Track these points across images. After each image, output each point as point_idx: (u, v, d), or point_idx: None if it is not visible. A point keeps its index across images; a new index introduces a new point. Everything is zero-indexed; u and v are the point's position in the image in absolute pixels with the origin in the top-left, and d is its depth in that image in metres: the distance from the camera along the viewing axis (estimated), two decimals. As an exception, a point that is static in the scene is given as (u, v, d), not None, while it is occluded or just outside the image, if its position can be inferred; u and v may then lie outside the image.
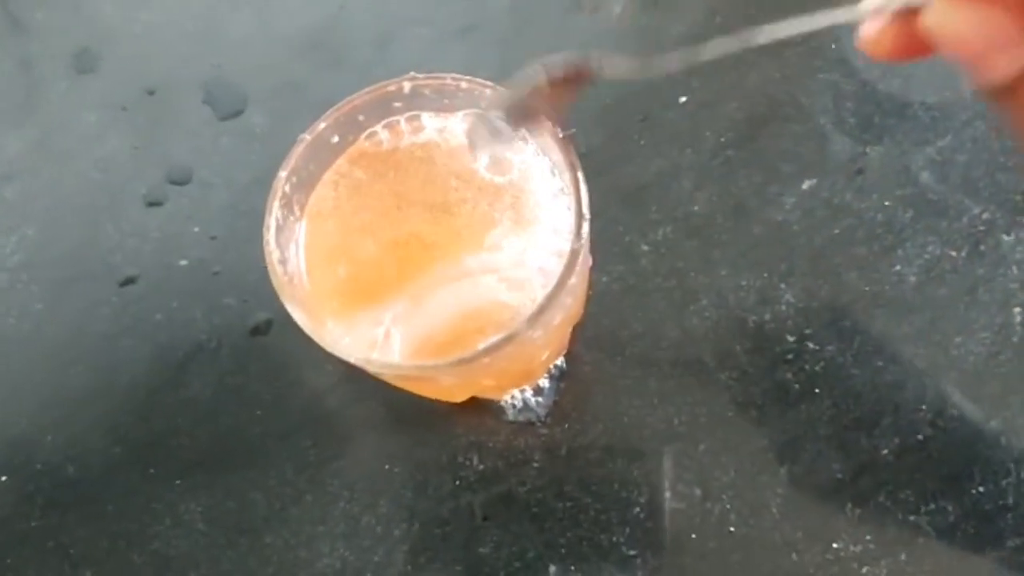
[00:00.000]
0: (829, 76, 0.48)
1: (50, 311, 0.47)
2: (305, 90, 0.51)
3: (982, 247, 0.43)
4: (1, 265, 0.49)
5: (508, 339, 0.29)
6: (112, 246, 0.48)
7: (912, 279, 0.43)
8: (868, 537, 0.39)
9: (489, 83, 0.32)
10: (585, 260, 0.32)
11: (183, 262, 0.47)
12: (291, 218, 0.34)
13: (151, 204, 0.49)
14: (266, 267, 0.32)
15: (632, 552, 0.40)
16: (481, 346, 0.29)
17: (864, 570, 0.39)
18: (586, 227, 0.30)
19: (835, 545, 0.39)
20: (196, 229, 0.48)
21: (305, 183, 0.34)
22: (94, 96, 0.52)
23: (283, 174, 0.32)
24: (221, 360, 0.45)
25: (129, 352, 0.46)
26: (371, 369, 0.30)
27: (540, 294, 0.31)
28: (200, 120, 0.51)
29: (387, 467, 0.43)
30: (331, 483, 0.43)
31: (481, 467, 0.42)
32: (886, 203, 0.45)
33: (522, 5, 0.52)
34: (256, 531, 0.42)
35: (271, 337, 0.45)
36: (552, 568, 0.40)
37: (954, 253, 0.43)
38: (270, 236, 0.32)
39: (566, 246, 0.30)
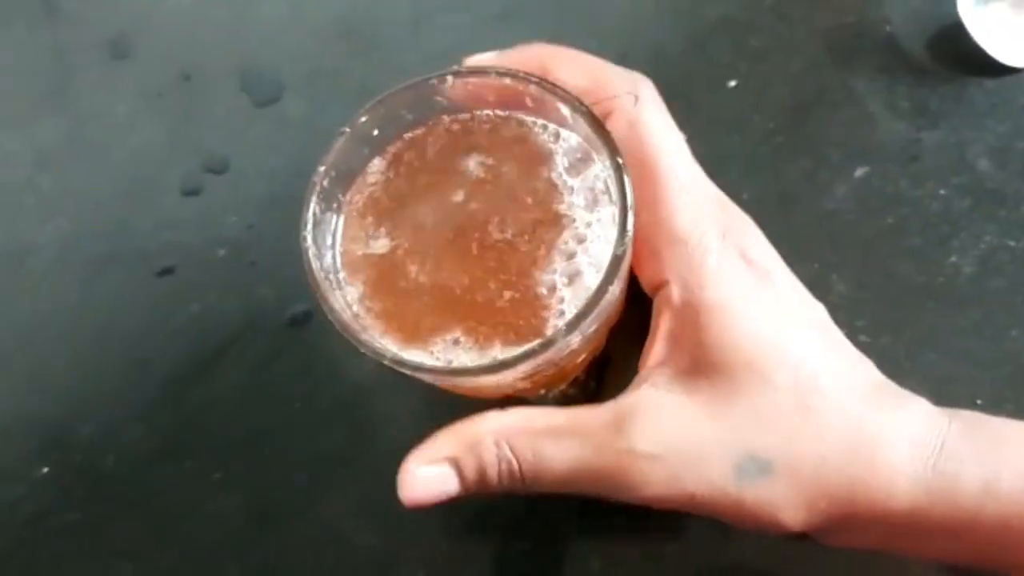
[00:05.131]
0: (880, 58, 0.46)
1: (86, 302, 0.47)
2: (341, 76, 0.50)
3: (1041, 237, 0.42)
4: (37, 256, 0.48)
5: (545, 345, 0.28)
6: (148, 236, 0.48)
7: (968, 270, 0.42)
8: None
9: (534, 77, 0.31)
10: (628, 265, 0.31)
11: (220, 252, 0.47)
12: (328, 213, 0.33)
13: (187, 193, 0.49)
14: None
15: (675, 551, 0.39)
16: (518, 351, 0.28)
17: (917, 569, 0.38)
18: (629, 237, 0.29)
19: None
20: (233, 218, 0.48)
21: (345, 177, 0.33)
22: (129, 83, 0.52)
23: (322, 168, 0.31)
24: (257, 352, 0.45)
25: (166, 343, 0.46)
26: (405, 371, 0.30)
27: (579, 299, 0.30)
28: (236, 107, 0.50)
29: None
30: (366, 477, 0.42)
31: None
32: (942, 191, 0.43)
33: (561, -11, 0.51)
34: (293, 523, 0.42)
35: (308, 329, 0.45)
36: (595, 564, 0.40)
37: (1012, 243, 0.42)
38: (307, 232, 0.31)
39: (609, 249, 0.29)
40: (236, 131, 0.50)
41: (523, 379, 0.31)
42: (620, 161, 0.30)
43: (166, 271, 0.47)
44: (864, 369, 0.32)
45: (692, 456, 0.30)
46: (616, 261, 0.29)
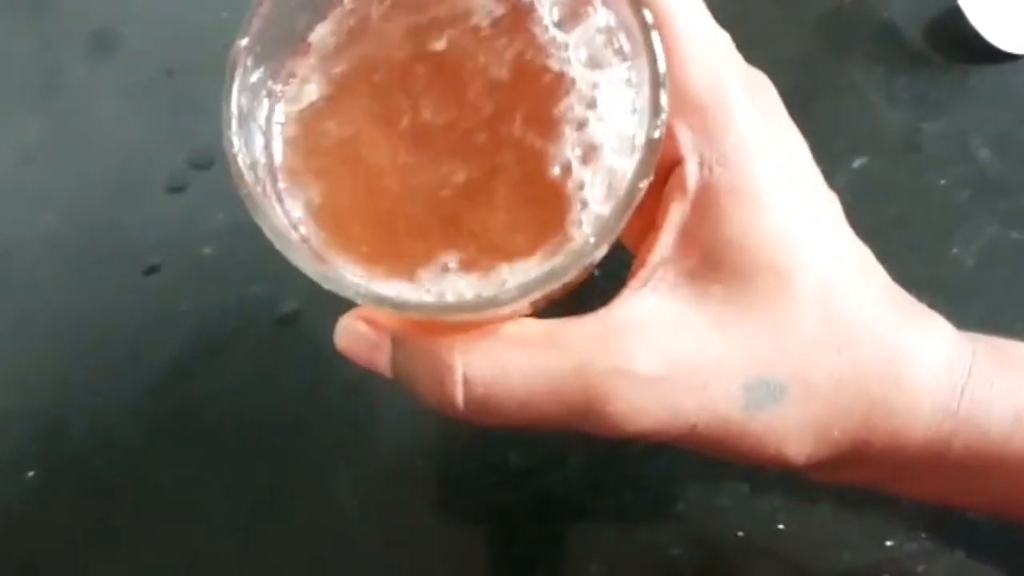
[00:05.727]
0: (878, 45, 0.46)
1: (74, 302, 0.46)
2: (329, 69, 0.49)
3: (1045, 228, 0.41)
4: (23, 254, 0.47)
5: (576, 259, 0.23)
6: (134, 234, 0.47)
7: (971, 262, 0.41)
8: (924, 535, 0.38)
9: None
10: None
11: (207, 250, 0.46)
12: (260, 102, 0.25)
13: (173, 190, 0.48)
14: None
15: (676, 551, 0.39)
16: (543, 270, 0.23)
17: (920, 568, 0.37)
18: (664, 116, 0.23)
19: (888, 543, 0.38)
20: (220, 216, 0.47)
21: (278, 54, 0.25)
22: (113, 77, 0.51)
23: (243, 41, 0.24)
24: (249, 352, 0.44)
25: (155, 344, 0.45)
26: (384, 308, 0.23)
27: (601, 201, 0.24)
28: (221, 101, 0.49)
29: (420, 463, 0.41)
30: (365, 480, 0.41)
31: (517, 463, 0.41)
32: (942, 182, 0.43)
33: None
34: (294, 526, 0.41)
35: (300, 327, 0.44)
36: (593, 568, 0.39)
37: (1015, 234, 0.41)
38: (231, 132, 0.24)
39: (637, 136, 0.23)
40: (221, 126, 0.48)
41: (533, 304, 0.25)
42: (648, 19, 0.23)
43: (152, 269, 0.46)
44: (882, 275, 0.28)
45: (698, 379, 0.25)
46: (652, 147, 0.23)
